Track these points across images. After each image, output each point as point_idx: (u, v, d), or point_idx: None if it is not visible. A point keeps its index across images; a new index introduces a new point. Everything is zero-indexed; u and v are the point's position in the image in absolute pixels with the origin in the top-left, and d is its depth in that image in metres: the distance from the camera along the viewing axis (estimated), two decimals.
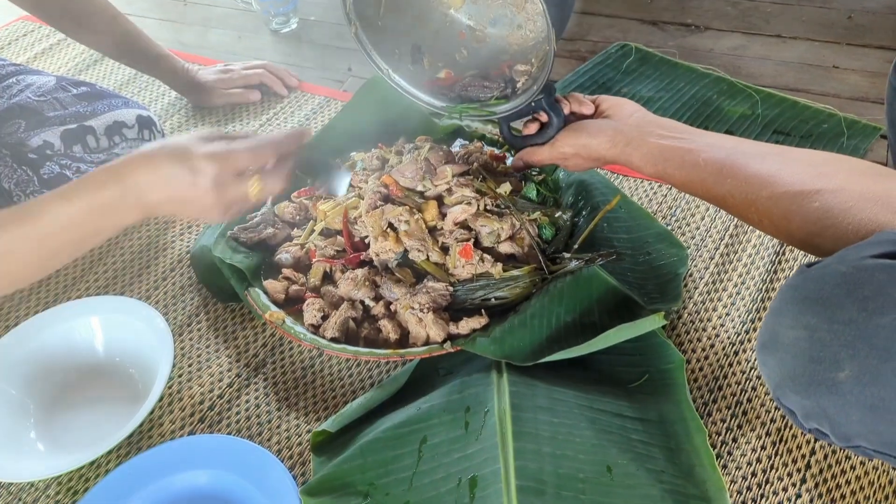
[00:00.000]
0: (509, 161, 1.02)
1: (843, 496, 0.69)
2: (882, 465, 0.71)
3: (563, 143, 0.82)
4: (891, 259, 0.54)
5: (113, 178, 0.70)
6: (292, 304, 0.87)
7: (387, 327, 0.83)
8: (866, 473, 0.71)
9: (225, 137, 0.76)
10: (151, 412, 0.79)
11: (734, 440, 0.75)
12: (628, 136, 0.77)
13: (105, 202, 0.70)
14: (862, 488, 0.70)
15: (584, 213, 0.93)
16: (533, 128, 0.84)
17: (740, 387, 0.79)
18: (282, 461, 0.73)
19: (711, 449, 0.70)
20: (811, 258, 0.88)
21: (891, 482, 0.70)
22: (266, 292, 0.88)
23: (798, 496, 0.70)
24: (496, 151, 1.02)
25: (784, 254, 0.91)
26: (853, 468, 0.71)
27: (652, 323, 0.75)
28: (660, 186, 1.02)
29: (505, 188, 0.90)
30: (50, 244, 0.69)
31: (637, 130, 0.77)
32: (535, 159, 0.85)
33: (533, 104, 0.82)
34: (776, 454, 0.73)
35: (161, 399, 0.82)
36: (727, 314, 0.86)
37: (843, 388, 0.50)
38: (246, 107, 1.25)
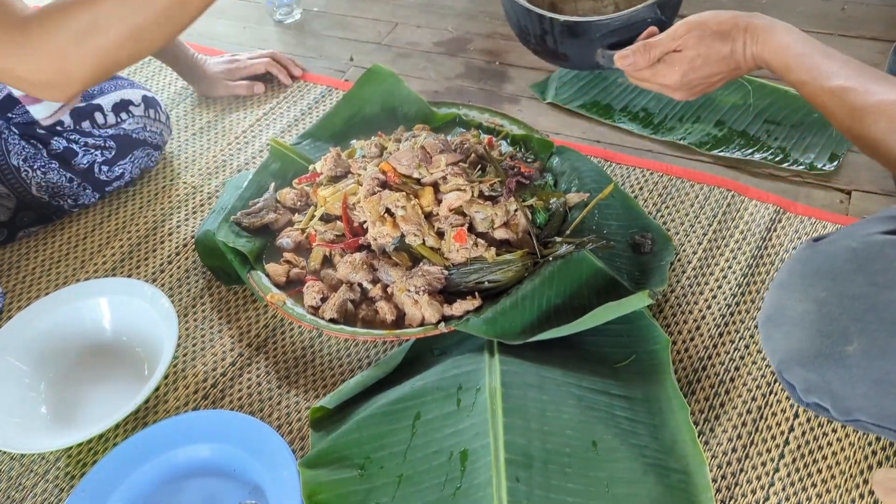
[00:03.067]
0: (504, 148, 1.05)
1: (819, 471, 0.72)
2: (858, 441, 0.73)
3: (677, 31, 0.75)
4: None
5: None
6: (293, 287, 0.90)
7: (383, 309, 0.86)
8: (842, 450, 0.73)
9: None
10: (157, 389, 0.82)
11: (716, 417, 0.77)
12: (752, 18, 0.74)
13: None
14: (838, 463, 0.72)
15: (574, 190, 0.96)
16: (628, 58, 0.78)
17: (724, 367, 0.82)
18: (282, 436, 0.76)
19: (693, 426, 0.73)
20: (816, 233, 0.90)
21: (865, 458, 0.72)
22: (268, 275, 0.91)
23: (776, 470, 0.73)
24: (493, 139, 1.05)
25: (770, 239, 0.94)
26: (830, 444, 0.74)
27: (638, 301, 0.78)
28: (651, 174, 1.05)
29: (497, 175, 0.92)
30: (137, 19, 0.72)
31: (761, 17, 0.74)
32: (655, 52, 0.77)
33: (648, 19, 0.78)
34: (756, 430, 0.76)
35: (166, 377, 0.86)
36: (713, 297, 0.88)
37: (850, 361, 0.52)
38: (250, 96, 1.28)
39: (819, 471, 0.72)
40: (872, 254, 0.53)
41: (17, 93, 0.91)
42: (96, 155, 1.02)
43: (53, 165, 0.99)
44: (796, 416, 0.76)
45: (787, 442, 0.75)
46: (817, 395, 0.55)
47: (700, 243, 0.94)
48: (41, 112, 0.87)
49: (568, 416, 0.73)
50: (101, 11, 0.70)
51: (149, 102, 1.09)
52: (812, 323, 0.54)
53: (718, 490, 0.72)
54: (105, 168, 1.04)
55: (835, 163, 1.03)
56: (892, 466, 0.72)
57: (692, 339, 0.85)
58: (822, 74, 0.68)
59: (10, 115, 0.97)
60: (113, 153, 1.04)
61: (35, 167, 0.98)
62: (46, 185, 1.00)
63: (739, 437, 0.76)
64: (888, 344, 0.50)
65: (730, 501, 0.71)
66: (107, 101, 1.05)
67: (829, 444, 0.74)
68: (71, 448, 0.80)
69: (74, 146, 1.00)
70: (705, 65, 0.74)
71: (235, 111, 1.25)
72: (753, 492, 0.71)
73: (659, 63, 0.76)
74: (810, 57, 0.70)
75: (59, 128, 0.99)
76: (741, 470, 0.73)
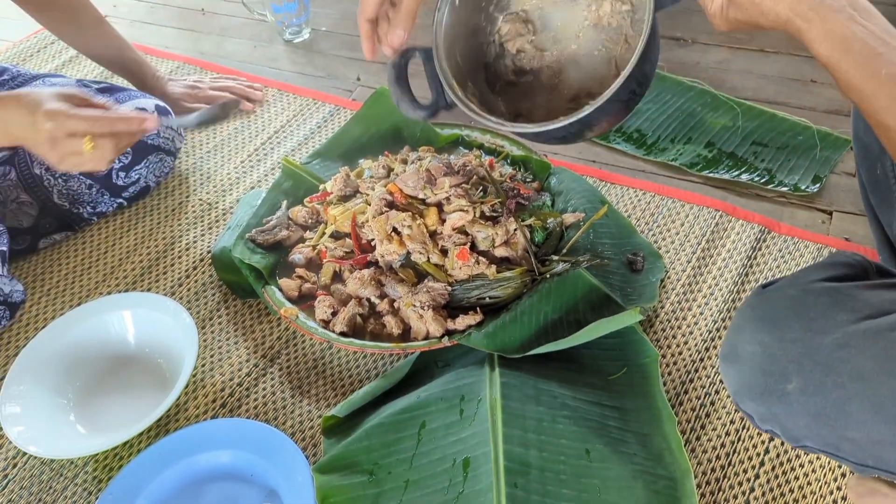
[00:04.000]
0: (506, 169, 1.11)
1: (796, 478, 0.78)
2: None
3: None
4: (839, 282, 0.62)
5: None
6: (305, 301, 0.96)
7: (390, 323, 0.91)
8: (818, 458, 0.79)
9: (81, 101, 0.86)
10: (178, 399, 0.88)
11: (702, 427, 0.83)
12: None
13: None
14: (814, 471, 0.78)
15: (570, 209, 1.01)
16: None
17: (710, 380, 0.87)
18: (296, 442, 0.81)
19: (680, 435, 0.79)
20: (789, 268, 0.96)
21: (839, 465, 0.78)
22: (281, 290, 0.96)
23: (756, 477, 0.78)
24: (494, 160, 1.11)
25: (756, 258, 0.99)
26: (806, 453, 0.79)
27: (629, 318, 0.83)
28: (643, 194, 1.10)
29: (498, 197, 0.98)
30: None
31: None
32: None
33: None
34: (738, 440, 0.81)
35: (186, 387, 0.91)
36: (701, 313, 0.94)
37: (790, 397, 0.58)
38: (250, 116, 1.33)
39: (796, 478, 0.78)
40: (809, 301, 0.59)
41: None
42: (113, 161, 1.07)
43: (73, 173, 1.05)
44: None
45: (766, 451, 0.80)
46: (770, 424, 0.62)
47: (689, 261, 1.00)
48: None
49: (563, 426, 0.79)
50: None
51: (161, 111, 1.14)
52: (758, 363, 0.60)
53: (703, 496, 0.77)
54: (122, 174, 1.10)
55: (818, 185, 1.09)
56: None
57: (680, 353, 0.90)
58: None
59: None
60: (129, 158, 1.11)
61: (56, 175, 1.04)
62: (67, 192, 1.06)
63: (723, 445, 0.81)
64: (822, 383, 0.56)
65: None
66: (124, 109, 1.10)
67: (806, 453, 0.79)
68: (98, 454, 0.86)
69: None
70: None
71: (247, 129, 1.31)
72: (735, 497, 0.77)
73: None
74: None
75: None
76: (724, 476, 0.79)
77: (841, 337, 0.57)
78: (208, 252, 1.08)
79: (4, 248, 0.97)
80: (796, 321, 0.59)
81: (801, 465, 0.78)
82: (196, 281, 1.05)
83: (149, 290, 1.04)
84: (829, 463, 0.78)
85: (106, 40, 1.23)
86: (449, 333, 0.89)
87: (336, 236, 1.02)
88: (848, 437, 0.57)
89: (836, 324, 0.57)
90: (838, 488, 0.76)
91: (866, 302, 0.58)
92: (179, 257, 1.08)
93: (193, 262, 1.07)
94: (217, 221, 1.13)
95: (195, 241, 1.11)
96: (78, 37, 1.23)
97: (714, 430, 0.83)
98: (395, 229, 0.96)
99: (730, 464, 0.79)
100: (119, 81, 1.29)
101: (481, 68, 0.92)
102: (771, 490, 0.77)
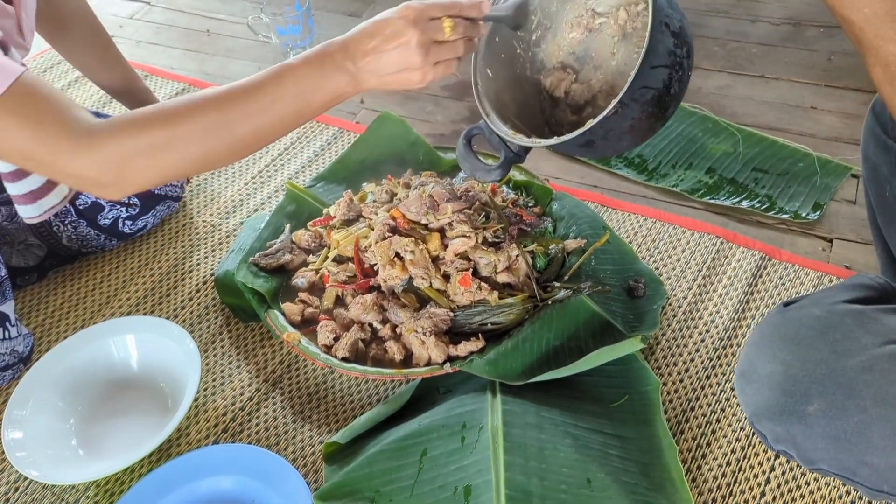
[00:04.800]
0: (508, 194, 1.11)
1: None
2: (833, 482, 0.79)
3: None
4: (862, 304, 0.62)
5: (317, 56, 0.75)
6: (307, 326, 0.96)
7: (392, 348, 0.91)
8: (819, 489, 0.79)
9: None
10: (180, 423, 0.88)
11: (703, 456, 0.83)
12: None
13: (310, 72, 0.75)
14: (815, 502, 0.78)
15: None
16: None
17: (710, 408, 0.87)
18: (297, 469, 0.81)
19: (681, 465, 0.79)
20: (790, 295, 0.96)
21: (840, 497, 0.78)
22: (284, 314, 0.97)
23: None
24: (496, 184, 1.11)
25: (756, 285, 1.00)
26: (807, 483, 0.79)
27: (630, 346, 0.84)
28: (644, 220, 1.11)
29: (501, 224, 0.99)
30: (212, 145, 0.74)
31: None
32: None
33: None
34: (740, 470, 0.81)
35: (189, 411, 0.91)
36: (702, 340, 0.94)
37: (811, 419, 0.58)
38: None
39: None
40: (833, 322, 0.59)
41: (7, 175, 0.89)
42: (121, 211, 1.08)
43: (83, 221, 1.05)
44: (777, 456, 0.82)
45: (767, 481, 0.80)
46: (784, 444, 0.61)
47: (690, 288, 1.00)
48: (31, 212, 0.90)
49: (564, 454, 0.79)
50: (179, 132, 0.72)
51: None
52: (778, 383, 0.60)
53: None
54: (129, 222, 1.10)
55: (818, 212, 1.09)
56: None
57: (681, 381, 0.91)
58: None
59: None
60: (137, 209, 1.10)
61: (66, 222, 1.04)
62: (77, 237, 1.06)
63: (724, 475, 0.81)
64: (844, 406, 0.56)
65: None
66: None
67: (808, 483, 0.79)
68: (100, 479, 0.86)
69: (101, 201, 1.06)
70: None
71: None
72: None
73: None
74: None
75: None
76: None
77: (866, 360, 0.56)
78: (212, 275, 1.09)
79: (11, 301, 0.95)
80: (821, 342, 0.59)
81: (802, 497, 0.78)
82: (199, 304, 1.05)
83: (152, 312, 1.04)
84: (829, 493, 0.78)
85: (121, 69, 1.20)
86: (451, 360, 0.89)
87: (339, 260, 1.02)
88: (867, 461, 0.57)
89: (862, 346, 0.57)
90: None
91: (891, 326, 0.58)
92: (183, 280, 1.09)
93: (197, 285, 1.08)
94: (221, 244, 1.14)
95: (199, 264, 1.11)
96: (90, 60, 1.21)
97: (715, 459, 0.83)
98: (397, 254, 0.96)
99: (731, 494, 0.80)
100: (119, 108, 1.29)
101: (543, 125, 0.94)
102: None
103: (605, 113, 0.74)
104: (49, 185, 0.91)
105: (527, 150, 0.85)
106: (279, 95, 0.74)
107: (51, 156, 0.69)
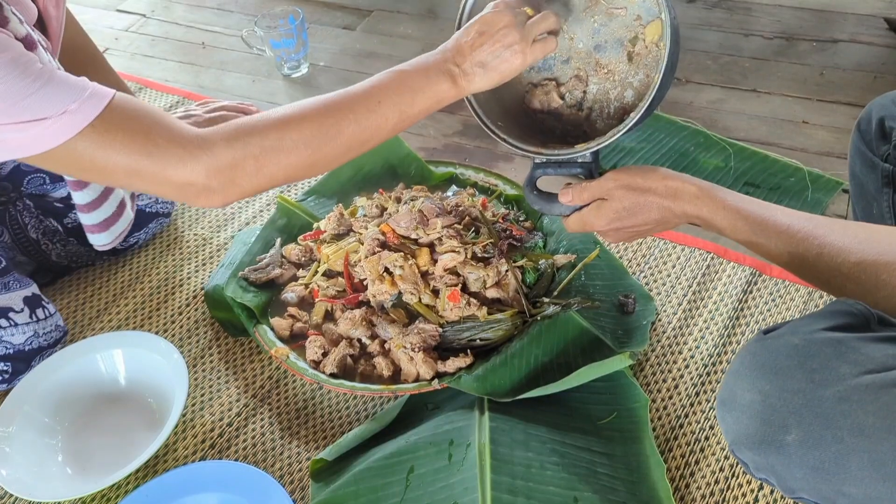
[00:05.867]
0: (499, 209, 1.11)
1: None
2: None
3: (620, 179, 0.78)
4: (841, 331, 0.62)
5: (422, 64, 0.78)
6: (296, 340, 0.96)
7: (381, 364, 0.91)
8: None
9: None
10: (167, 439, 0.88)
11: (691, 474, 0.83)
12: (683, 183, 0.76)
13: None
14: None
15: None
16: (567, 195, 0.82)
17: (699, 426, 0.87)
18: (284, 486, 0.81)
19: (669, 483, 0.79)
20: (769, 322, 0.96)
21: None
22: (273, 329, 0.97)
23: None
24: (486, 199, 1.11)
25: (747, 301, 1.00)
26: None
27: (619, 362, 0.83)
28: None
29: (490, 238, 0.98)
30: (322, 148, 0.75)
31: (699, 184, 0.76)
32: (585, 195, 0.80)
33: (580, 161, 0.82)
34: (728, 489, 0.81)
35: (176, 427, 0.91)
36: (691, 357, 0.94)
37: (789, 449, 0.58)
38: None
39: None
40: (812, 352, 0.59)
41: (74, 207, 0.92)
42: None
43: (72, 240, 1.05)
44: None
45: (756, 500, 0.80)
46: (765, 473, 0.61)
47: (680, 304, 1.00)
48: (103, 239, 0.93)
49: (551, 472, 0.78)
50: (290, 135, 0.73)
51: None
52: (757, 413, 0.59)
53: None
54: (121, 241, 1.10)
55: None
56: None
57: (671, 398, 0.90)
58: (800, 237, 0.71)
59: (22, 188, 1.03)
60: (128, 229, 1.09)
61: (55, 241, 1.04)
62: (66, 254, 1.06)
63: (712, 493, 0.81)
64: (822, 436, 0.56)
65: None
66: None
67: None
68: (85, 496, 0.85)
69: None
70: (631, 216, 0.78)
71: None
72: None
73: (588, 207, 0.81)
74: (772, 218, 0.74)
75: (72, 202, 1.05)
76: None
77: (843, 390, 0.56)
78: (201, 289, 1.09)
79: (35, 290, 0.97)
80: (798, 371, 0.59)
81: None
82: (189, 318, 1.05)
83: (142, 327, 1.04)
84: None
85: (114, 80, 1.20)
86: (439, 376, 0.89)
87: (329, 275, 1.02)
88: (845, 492, 0.57)
89: (839, 377, 0.57)
90: None
91: (868, 356, 0.58)
92: (173, 294, 1.09)
93: (186, 300, 1.08)
94: (211, 257, 1.14)
95: (189, 278, 1.11)
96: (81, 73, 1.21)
97: (703, 477, 0.82)
98: (386, 269, 0.96)
99: None
100: None
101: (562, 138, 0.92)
102: None
103: (651, 91, 0.77)
104: (119, 212, 0.93)
105: (597, 154, 0.83)
106: (385, 96, 0.76)
107: (159, 165, 0.70)
